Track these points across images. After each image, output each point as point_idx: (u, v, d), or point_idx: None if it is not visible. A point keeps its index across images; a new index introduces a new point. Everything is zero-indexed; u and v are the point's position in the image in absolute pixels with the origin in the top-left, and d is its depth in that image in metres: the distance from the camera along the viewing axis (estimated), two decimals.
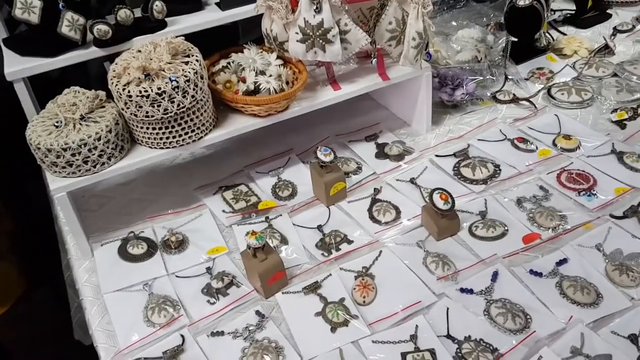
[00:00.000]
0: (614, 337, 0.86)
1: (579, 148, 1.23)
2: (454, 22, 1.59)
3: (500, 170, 1.20)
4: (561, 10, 1.77)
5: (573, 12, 1.75)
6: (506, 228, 1.06)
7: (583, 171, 1.17)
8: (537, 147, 1.24)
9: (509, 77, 1.47)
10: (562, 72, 1.50)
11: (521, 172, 1.19)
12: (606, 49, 1.55)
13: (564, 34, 1.66)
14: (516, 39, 1.51)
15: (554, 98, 1.39)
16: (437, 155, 1.26)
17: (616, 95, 1.39)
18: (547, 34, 1.61)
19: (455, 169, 1.22)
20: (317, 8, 1.09)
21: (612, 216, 1.06)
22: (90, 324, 0.99)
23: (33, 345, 2.15)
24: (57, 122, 1.01)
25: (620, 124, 1.30)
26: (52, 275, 2.51)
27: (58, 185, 1.02)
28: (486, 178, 1.18)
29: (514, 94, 1.42)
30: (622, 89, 1.40)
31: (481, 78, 1.39)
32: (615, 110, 1.34)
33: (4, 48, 1.12)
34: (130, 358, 0.91)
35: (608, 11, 1.75)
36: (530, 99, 1.40)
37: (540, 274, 0.96)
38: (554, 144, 1.25)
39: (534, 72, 1.51)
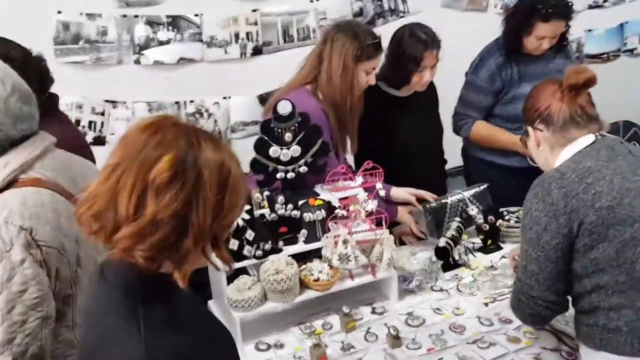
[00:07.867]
0: None
1: None
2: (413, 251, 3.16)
3: None
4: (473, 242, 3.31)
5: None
6: None
7: None
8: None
9: (438, 278, 2.98)
10: (466, 278, 3.00)
11: None
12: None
13: (474, 255, 3.19)
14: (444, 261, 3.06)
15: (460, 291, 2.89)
16: (399, 314, 2.73)
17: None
18: (463, 256, 3.14)
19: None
20: (345, 246, 2.67)
21: None
22: None
23: None
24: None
25: None
26: None
27: None
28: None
29: (441, 287, 2.91)
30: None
31: (422, 278, 2.90)
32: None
33: None
34: None
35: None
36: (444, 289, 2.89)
37: None
38: None
39: (454, 275, 3.00)
